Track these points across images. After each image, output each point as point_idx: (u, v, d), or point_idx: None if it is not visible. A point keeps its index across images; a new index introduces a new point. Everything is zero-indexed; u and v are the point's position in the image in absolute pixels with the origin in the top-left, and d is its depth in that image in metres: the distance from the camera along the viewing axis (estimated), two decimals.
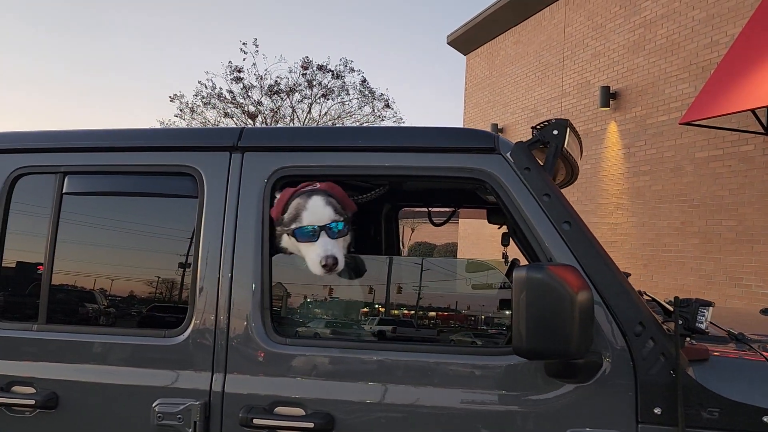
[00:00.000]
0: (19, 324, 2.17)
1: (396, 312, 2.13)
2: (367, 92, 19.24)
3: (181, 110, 19.92)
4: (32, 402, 2.04)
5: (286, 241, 2.01)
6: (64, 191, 2.20)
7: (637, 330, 1.74)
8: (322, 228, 1.93)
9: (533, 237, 1.86)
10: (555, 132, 1.95)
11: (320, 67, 18.55)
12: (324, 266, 1.89)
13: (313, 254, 1.92)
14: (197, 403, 1.93)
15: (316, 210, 1.94)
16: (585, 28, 11.35)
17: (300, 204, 1.96)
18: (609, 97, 10.33)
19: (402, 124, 16.64)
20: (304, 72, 18.32)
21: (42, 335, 2.12)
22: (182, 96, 20.44)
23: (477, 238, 14.99)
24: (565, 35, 11.88)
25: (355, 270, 2.12)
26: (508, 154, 1.93)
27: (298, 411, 1.89)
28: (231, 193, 2.07)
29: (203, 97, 19.48)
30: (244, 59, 26.06)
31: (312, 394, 1.90)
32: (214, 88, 19.44)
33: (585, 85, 11.19)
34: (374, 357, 1.90)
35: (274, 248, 2.04)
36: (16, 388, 2.08)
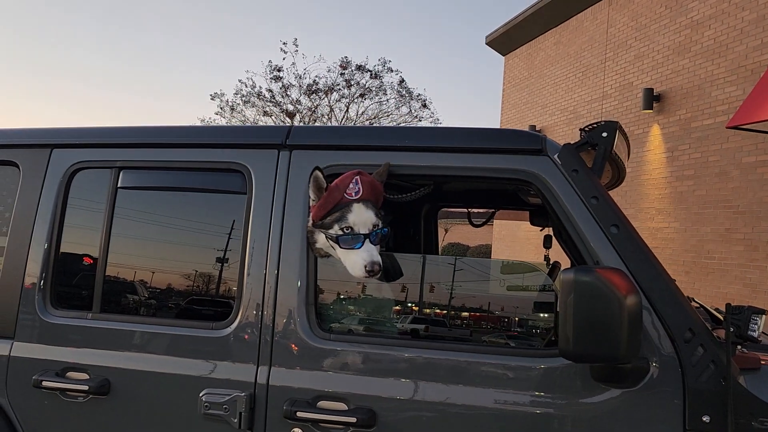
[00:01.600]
0: (74, 312, 2.24)
1: (437, 311, 2.14)
2: (404, 92, 19.30)
3: (221, 108, 20.32)
4: (86, 388, 2.11)
5: (322, 242, 2.02)
6: (119, 185, 2.27)
7: (686, 336, 1.71)
8: (366, 236, 1.96)
9: (580, 240, 1.85)
10: (604, 134, 1.94)
11: (359, 67, 18.68)
12: (370, 272, 1.92)
13: (358, 259, 1.95)
14: (243, 394, 1.98)
15: (361, 217, 1.97)
16: (628, 28, 11.14)
17: (344, 210, 1.97)
18: (652, 99, 10.12)
19: (439, 125, 16.60)
20: (342, 72, 18.47)
21: (96, 324, 2.20)
22: (223, 94, 20.76)
23: (512, 240, 14.86)
24: (607, 36, 11.69)
25: (391, 272, 2.14)
26: (555, 156, 1.93)
27: (341, 405, 1.92)
28: (279, 189, 2.11)
29: (243, 96, 19.78)
30: (284, 59, 26.36)
31: (354, 389, 1.92)
32: (254, 86, 19.78)
33: (627, 87, 10.99)
34: (416, 355, 1.92)
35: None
36: (70, 374, 2.16)
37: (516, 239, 14.53)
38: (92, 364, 2.15)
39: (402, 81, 19.24)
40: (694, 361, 1.70)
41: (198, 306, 2.20)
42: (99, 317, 2.21)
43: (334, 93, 18.73)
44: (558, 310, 1.68)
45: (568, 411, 1.77)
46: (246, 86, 19.94)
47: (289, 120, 18.58)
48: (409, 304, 2.17)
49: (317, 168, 2.01)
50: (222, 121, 19.34)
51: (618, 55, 11.34)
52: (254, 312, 2.04)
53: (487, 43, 15.26)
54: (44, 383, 2.15)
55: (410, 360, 1.92)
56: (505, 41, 14.97)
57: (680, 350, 1.71)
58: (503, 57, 15.42)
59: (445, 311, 2.15)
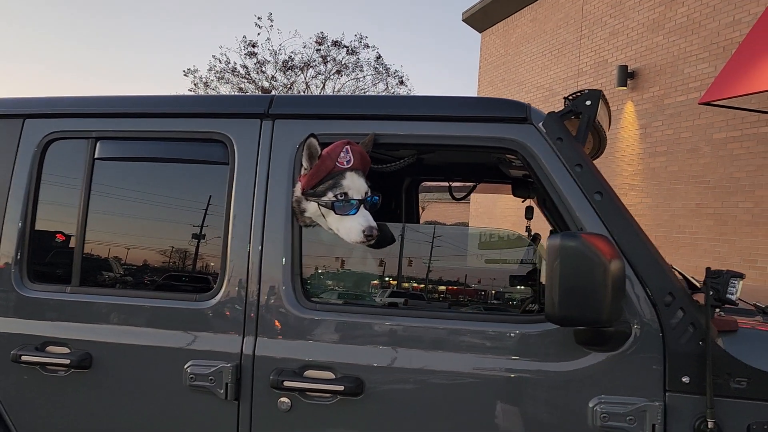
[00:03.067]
0: (52, 286, 2.21)
1: (422, 280, 2.15)
2: (381, 69, 19.19)
3: (195, 84, 19.97)
4: (67, 362, 2.08)
5: (312, 211, 2.01)
6: (96, 156, 2.23)
7: (666, 300, 1.75)
8: (361, 201, 1.97)
9: (564, 207, 1.87)
10: (588, 102, 1.95)
11: (335, 43, 18.48)
12: (368, 236, 1.93)
13: (355, 224, 1.95)
14: (229, 365, 1.97)
15: (355, 184, 1.98)
16: (603, 5, 11.18)
17: (338, 178, 1.97)
18: (626, 76, 10.21)
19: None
20: (318, 47, 18.28)
21: (75, 297, 2.16)
22: (196, 70, 20.35)
23: (489, 217, 14.97)
24: (583, 13, 11.72)
25: (385, 239, 2.14)
26: (540, 124, 1.93)
27: (328, 374, 1.92)
28: (262, 159, 2.08)
29: (217, 72, 19.47)
30: (258, 34, 25.94)
31: (341, 358, 1.93)
32: (228, 62, 19.44)
33: (602, 64, 11.06)
34: (401, 323, 1.93)
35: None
36: (50, 348, 2.13)
37: (493, 216, 14.64)
38: (73, 338, 2.12)
39: (379, 57, 19.16)
40: (674, 324, 1.74)
41: (180, 278, 2.18)
42: (78, 291, 2.17)
43: (310, 69, 18.59)
44: (542, 276, 1.70)
45: (557, 374, 1.79)
46: (220, 62, 19.66)
47: None
48: (395, 274, 2.18)
49: (312, 135, 1.99)
50: None
51: (593, 32, 11.39)
52: (239, 283, 2.03)
53: (463, 20, 15.20)
54: (23, 358, 2.12)
55: (395, 328, 1.92)
56: (481, 18, 14.93)
57: (661, 314, 1.75)
58: (480, 34, 15.39)
59: (431, 280, 2.16)
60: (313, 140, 1.99)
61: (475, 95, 15.47)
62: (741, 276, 1.75)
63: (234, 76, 18.91)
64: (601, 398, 1.76)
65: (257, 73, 18.64)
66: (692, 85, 9.17)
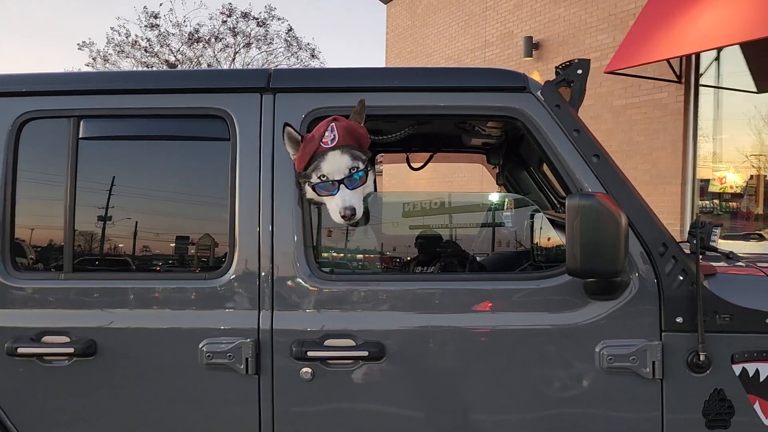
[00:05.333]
0: (43, 274, 2.10)
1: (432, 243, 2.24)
2: (293, 42, 18.81)
3: (93, 59, 18.66)
4: (71, 350, 2.01)
5: (310, 192, 2.03)
6: (81, 136, 2.12)
7: (660, 250, 1.95)
8: (340, 181, 1.97)
9: (564, 170, 2.01)
10: (579, 71, 2.09)
11: (244, 15, 17.88)
12: (343, 217, 1.95)
13: (333, 205, 1.98)
14: (248, 340, 1.98)
15: (335, 165, 1.97)
16: None
17: (320, 159, 1.97)
18: (532, 47, 10.66)
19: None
20: (225, 19, 17.62)
21: (71, 284, 2.08)
22: (92, 44, 19.04)
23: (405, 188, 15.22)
24: None
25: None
26: (538, 93, 2.06)
27: (349, 342, 1.98)
28: (265, 134, 2.08)
29: (116, 45, 18.31)
30: (161, 4, 24.62)
31: (361, 325, 1.99)
32: (128, 35, 18.35)
33: (508, 36, 11.47)
34: (416, 287, 2.02)
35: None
36: (48, 338, 2.04)
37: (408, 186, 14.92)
38: (72, 326, 2.04)
39: (290, 30, 18.78)
40: (667, 272, 1.94)
41: (184, 258, 2.15)
42: (74, 277, 2.08)
43: (219, 42, 17.90)
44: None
45: (568, 324, 1.95)
46: (119, 35, 18.49)
47: None
48: (407, 240, 2.25)
49: (287, 124, 2.00)
50: None
51: (498, 3, 11.76)
52: (251, 258, 2.03)
53: None
54: (19, 350, 2.01)
55: (411, 292, 2.01)
56: None
57: (656, 263, 1.95)
58: (385, 5, 15.43)
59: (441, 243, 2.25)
60: (289, 129, 2.00)
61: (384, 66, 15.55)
62: (720, 225, 1.98)
63: (134, 49, 17.90)
64: (605, 342, 1.94)
65: (161, 46, 17.75)
66: (593, 54, 9.73)
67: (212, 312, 2.03)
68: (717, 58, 8.55)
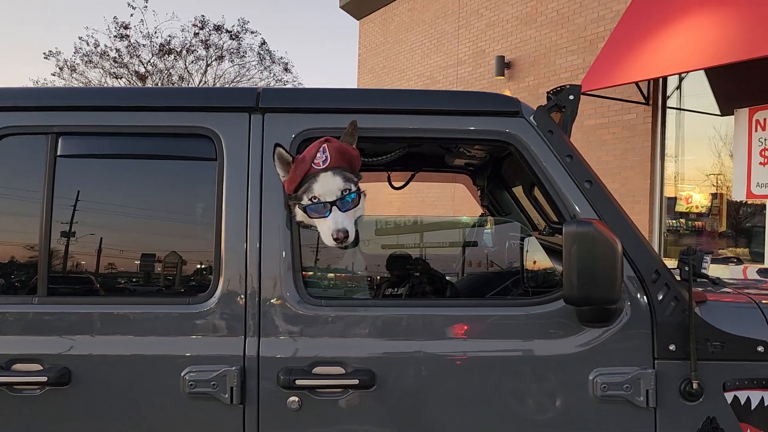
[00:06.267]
0: (14, 298, 2.00)
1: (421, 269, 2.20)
2: (265, 55, 18.73)
3: (59, 68, 18.24)
4: (43, 379, 1.90)
5: (301, 215, 1.98)
6: (58, 153, 2.03)
7: (653, 277, 1.94)
8: (332, 203, 1.93)
9: (557, 195, 2.00)
10: (571, 97, 2.09)
11: (216, 28, 17.72)
12: (335, 239, 1.91)
13: (325, 227, 1.93)
14: (233, 368, 1.91)
15: (326, 186, 1.93)
16: None
17: (311, 181, 1.93)
18: (504, 66, 10.80)
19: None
20: (197, 32, 17.42)
21: (45, 308, 1.98)
22: (59, 53, 18.63)
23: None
24: (460, 4, 12.20)
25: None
26: (531, 118, 2.05)
27: (338, 369, 1.93)
28: (254, 155, 2.02)
29: (84, 55, 17.94)
30: (131, 15, 24.39)
31: (351, 352, 1.94)
32: (96, 45, 18.00)
33: (480, 54, 11.61)
34: (408, 313, 1.98)
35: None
36: (18, 366, 1.93)
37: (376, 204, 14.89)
38: (45, 353, 1.94)
39: (263, 43, 18.70)
40: (660, 299, 1.94)
41: (167, 282, 2.06)
42: (48, 301, 1.98)
43: (190, 55, 17.67)
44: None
45: (559, 353, 1.93)
46: (87, 44, 18.12)
47: (140, 83, 17.22)
48: (397, 266, 2.21)
49: (278, 144, 1.95)
50: (61, 83, 17.40)
51: (470, 23, 11.90)
52: (237, 283, 1.96)
53: (341, 7, 15.21)
54: None
55: (403, 318, 1.97)
56: (358, 5, 15.02)
57: (649, 289, 1.94)
58: (358, 21, 15.49)
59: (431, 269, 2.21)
60: (280, 150, 1.95)
61: (356, 82, 15.58)
62: (711, 253, 1.99)
63: (103, 59, 17.55)
64: (599, 370, 1.92)
65: (131, 57, 17.43)
66: (563, 75, 9.91)
67: (196, 338, 1.95)
68: (678, 86, 8.80)
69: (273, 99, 2.07)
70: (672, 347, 1.92)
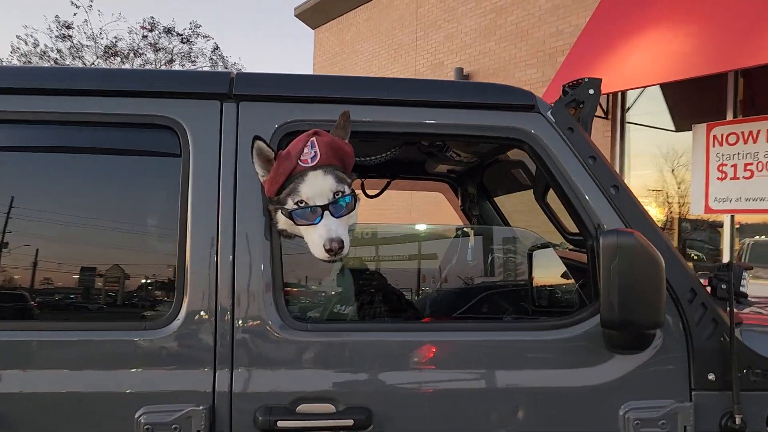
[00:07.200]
0: None
1: (429, 289, 1.91)
2: (218, 60, 18.14)
3: None
4: None
5: (283, 221, 1.65)
6: None
7: (689, 297, 1.70)
8: (324, 207, 1.61)
9: (579, 201, 1.75)
10: (591, 91, 1.85)
11: (167, 31, 17.01)
12: (329, 251, 1.57)
13: (315, 236, 1.60)
14: (200, 408, 1.56)
15: (316, 187, 1.61)
16: (437, 9, 11.61)
17: (297, 181, 1.61)
18: (462, 78, 10.69)
19: None
20: (146, 34, 16.69)
21: None
22: None
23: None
24: (417, 15, 12.07)
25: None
26: (548, 114, 1.80)
27: (328, 407, 1.61)
28: (227, 151, 1.69)
29: (23, 55, 16.93)
30: (75, 14, 23.56)
31: (343, 386, 1.62)
32: (36, 45, 17.06)
33: (438, 66, 11.48)
34: (411, 338, 1.68)
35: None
36: None
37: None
38: None
39: (216, 48, 18.14)
40: (697, 321, 1.70)
41: (118, 302, 1.70)
42: None
43: (138, 58, 16.88)
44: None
45: (577, 385, 1.66)
46: (26, 44, 17.18)
47: None
48: (398, 283, 1.90)
49: (257, 137, 1.63)
50: None
51: (428, 35, 11.78)
52: (205, 304, 1.62)
53: (296, 15, 14.88)
54: None
55: (403, 344, 1.66)
56: (314, 15, 14.74)
57: (684, 311, 1.70)
58: (313, 30, 15.19)
59: (440, 288, 1.92)
60: (259, 143, 1.62)
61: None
62: (750, 268, 1.77)
63: (44, 60, 16.55)
64: (630, 404, 1.66)
65: (73, 58, 16.49)
66: (523, 88, 9.85)
67: (153, 372, 1.60)
68: (636, 101, 8.86)
69: (249, 85, 1.75)
70: (711, 376, 1.68)
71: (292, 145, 1.63)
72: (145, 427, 1.55)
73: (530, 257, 2.11)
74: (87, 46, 16.71)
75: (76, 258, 1.72)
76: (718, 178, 7.47)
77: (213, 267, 1.63)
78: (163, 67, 17.27)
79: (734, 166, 7.40)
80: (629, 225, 1.72)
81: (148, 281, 1.71)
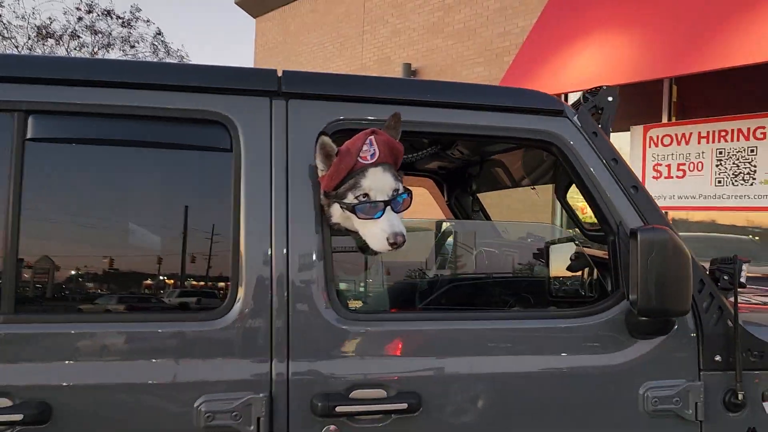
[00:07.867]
0: None
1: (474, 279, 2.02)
2: (160, 46, 17.50)
3: None
4: (17, 417, 1.50)
5: (338, 215, 1.73)
6: (27, 136, 1.63)
7: (698, 287, 1.89)
8: (387, 203, 1.69)
9: (603, 201, 1.90)
10: (610, 99, 2.01)
11: (106, 13, 16.22)
12: (393, 244, 1.66)
13: (378, 230, 1.68)
14: (260, 395, 1.62)
15: (378, 182, 1.69)
16: (385, 5, 11.71)
17: (358, 176, 1.69)
18: (410, 74, 10.85)
19: None
20: (82, 16, 15.87)
21: (12, 329, 1.57)
22: None
23: None
24: (364, 9, 12.12)
25: None
26: (575, 118, 1.94)
27: (380, 393, 1.69)
28: (277, 147, 1.74)
29: None
30: None
31: (394, 372, 1.71)
32: None
33: (386, 61, 11.58)
34: (456, 327, 1.79)
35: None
36: None
37: None
38: (15, 385, 1.54)
39: (158, 33, 17.47)
40: (705, 309, 1.89)
41: (174, 295, 1.72)
42: (16, 320, 1.58)
43: (74, 40, 16.03)
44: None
45: (612, 366, 1.82)
46: None
47: None
48: (442, 273, 2.00)
49: (323, 133, 1.70)
50: None
51: (375, 29, 11.86)
52: (259, 296, 1.67)
53: (236, 3, 14.61)
54: None
55: (451, 333, 1.77)
56: (256, 3, 14.52)
57: (695, 299, 1.89)
58: (255, 19, 14.96)
59: (482, 278, 2.03)
60: (325, 138, 1.69)
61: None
62: (749, 261, 1.98)
63: None
64: (648, 384, 1.84)
65: (2, 39, 15.50)
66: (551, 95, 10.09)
67: (212, 361, 1.64)
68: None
69: (297, 83, 1.80)
70: (717, 358, 1.88)
71: (351, 142, 1.70)
72: (206, 415, 1.59)
73: (560, 250, 2.26)
74: (18, 27, 15.82)
75: (134, 252, 1.73)
76: (653, 177, 7.95)
77: (267, 260, 1.68)
78: (100, 51, 16.54)
79: (668, 165, 7.89)
80: (647, 222, 1.90)
81: (205, 274, 1.74)
